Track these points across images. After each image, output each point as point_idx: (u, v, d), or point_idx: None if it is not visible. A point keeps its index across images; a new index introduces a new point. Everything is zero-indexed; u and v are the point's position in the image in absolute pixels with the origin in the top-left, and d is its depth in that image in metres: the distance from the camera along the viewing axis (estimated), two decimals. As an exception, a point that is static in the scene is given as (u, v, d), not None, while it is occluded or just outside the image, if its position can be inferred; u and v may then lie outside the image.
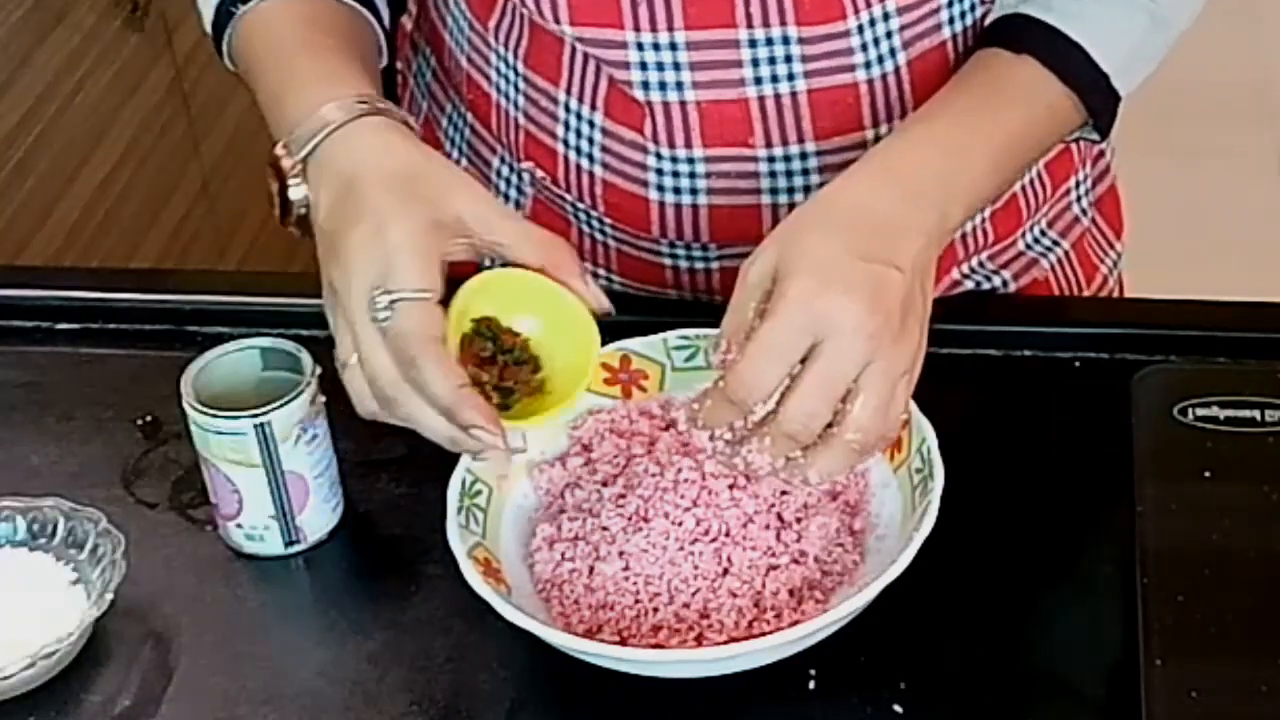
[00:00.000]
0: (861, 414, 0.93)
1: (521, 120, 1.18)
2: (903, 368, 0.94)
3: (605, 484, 1.02)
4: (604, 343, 1.08)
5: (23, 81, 1.98)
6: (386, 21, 1.16)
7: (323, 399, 1.05)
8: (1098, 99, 1.08)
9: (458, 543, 0.97)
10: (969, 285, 1.23)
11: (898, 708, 0.94)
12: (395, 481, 1.10)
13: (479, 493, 1.01)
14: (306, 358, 1.05)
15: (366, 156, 1.00)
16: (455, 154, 1.26)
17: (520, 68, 1.16)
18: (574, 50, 1.12)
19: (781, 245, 0.95)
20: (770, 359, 0.93)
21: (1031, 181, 1.21)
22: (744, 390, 0.93)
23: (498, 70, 1.18)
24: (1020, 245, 1.24)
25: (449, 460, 1.01)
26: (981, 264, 1.23)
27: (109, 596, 1.00)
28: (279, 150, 1.03)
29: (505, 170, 1.22)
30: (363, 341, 0.96)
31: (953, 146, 1.03)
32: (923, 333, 0.96)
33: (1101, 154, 1.29)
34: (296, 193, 1.02)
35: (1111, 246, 1.31)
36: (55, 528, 1.05)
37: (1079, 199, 1.27)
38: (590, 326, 0.99)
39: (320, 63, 1.07)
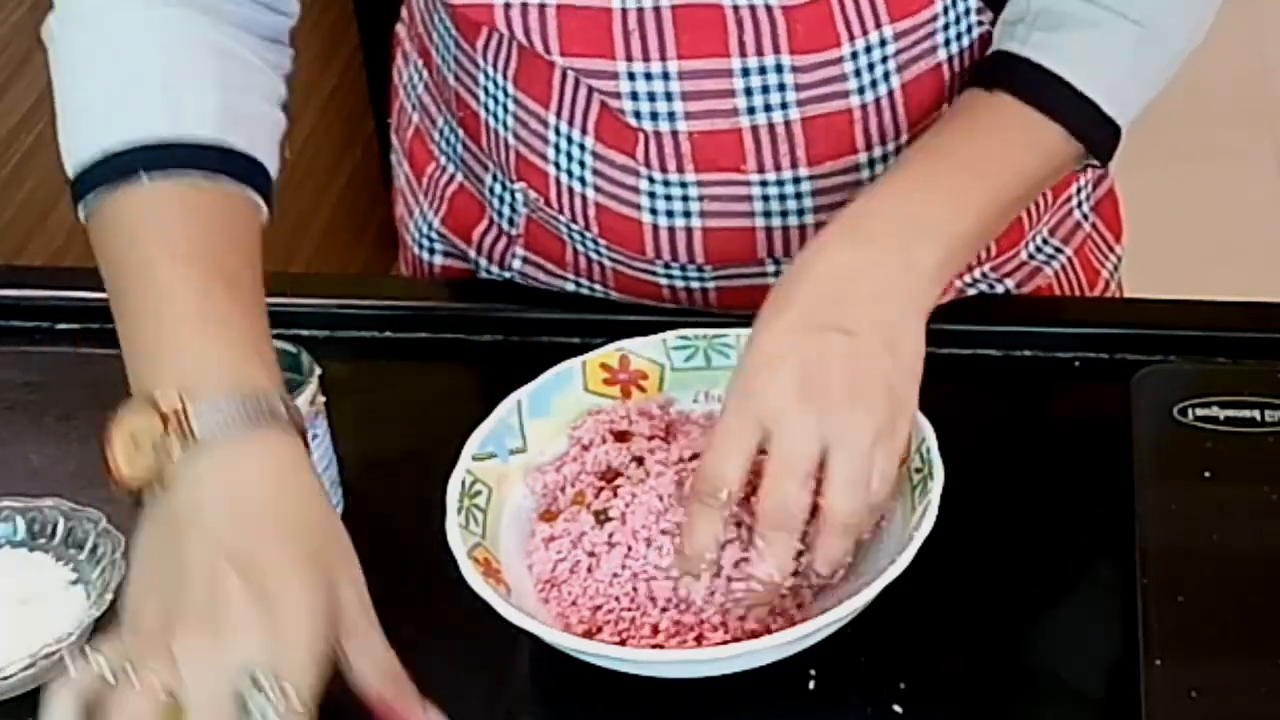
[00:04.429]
0: (837, 497, 0.92)
1: (511, 141, 1.16)
2: (867, 436, 0.92)
3: (605, 483, 1.02)
4: (604, 343, 1.09)
5: (23, 81, 1.98)
6: (275, 170, 1.02)
7: (323, 399, 1.05)
8: (1088, 126, 1.06)
9: (458, 543, 0.97)
10: (972, 293, 1.22)
11: (898, 708, 0.94)
12: (395, 481, 1.10)
13: (479, 493, 1.01)
14: (306, 358, 1.05)
15: (262, 480, 0.87)
16: (450, 168, 1.25)
17: (510, 89, 1.14)
18: (564, 74, 1.11)
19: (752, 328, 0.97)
20: (724, 448, 0.93)
21: None
22: (709, 483, 0.93)
23: (486, 90, 1.16)
24: (1023, 255, 1.24)
25: (449, 460, 1.01)
26: (985, 274, 1.22)
27: (109, 596, 1.00)
28: (170, 400, 0.87)
29: (498, 188, 1.21)
30: (199, 705, 0.80)
31: (917, 190, 1.01)
32: (894, 392, 0.94)
33: (1100, 157, 1.28)
34: (176, 449, 0.87)
35: (1111, 250, 1.31)
36: (55, 528, 1.05)
37: (1080, 205, 1.27)
38: None
39: (240, 319, 0.92)
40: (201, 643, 0.81)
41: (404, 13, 1.29)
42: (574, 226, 1.17)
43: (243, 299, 0.93)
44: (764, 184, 1.12)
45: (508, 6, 1.07)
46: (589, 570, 0.98)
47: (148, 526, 0.87)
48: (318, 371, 1.04)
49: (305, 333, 1.12)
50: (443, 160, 1.26)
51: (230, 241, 0.95)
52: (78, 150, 0.98)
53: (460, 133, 1.22)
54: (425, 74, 1.25)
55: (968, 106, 1.07)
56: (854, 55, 1.09)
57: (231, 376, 0.89)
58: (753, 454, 0.93)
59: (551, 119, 1.14)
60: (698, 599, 0.95)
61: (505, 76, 1.14)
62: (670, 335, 1.08)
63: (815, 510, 0.93)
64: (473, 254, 1.26)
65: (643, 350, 1.08)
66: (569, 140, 1.13)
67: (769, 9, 1.06)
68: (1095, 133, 1.07)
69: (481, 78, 1.16)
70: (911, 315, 0.97)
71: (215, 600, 0.82)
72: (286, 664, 0.81)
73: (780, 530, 0.92)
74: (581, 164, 1.14)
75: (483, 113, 1.17)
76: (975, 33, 1.12)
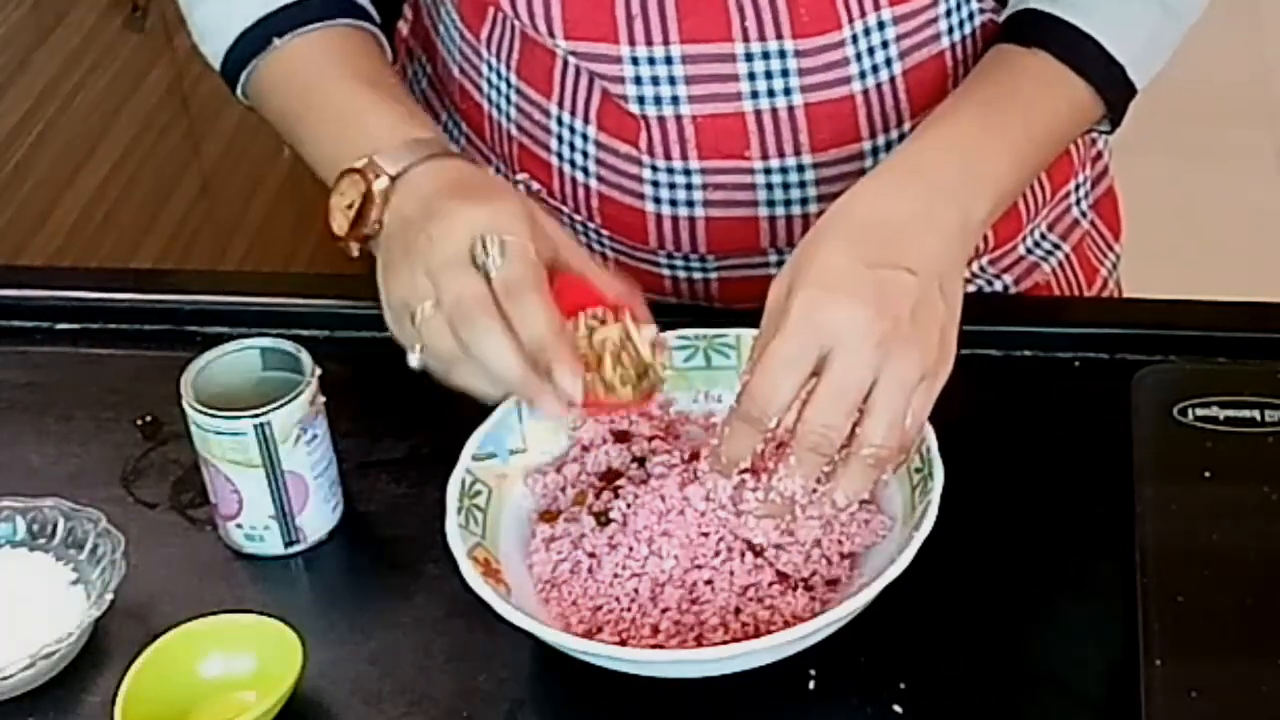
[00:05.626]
0: (875, 429, 0.92)
1: (514, 132, 1.17)
2: (916, 374, 0.93)
3: (605, 484, 1.02)
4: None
5: (23, 81, 1.98)
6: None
7: (323, 399, 1.05)
8: (1113, 91, 1.08)
9: (458, 543, 0.97)
10: (970, 290, 1.22)
11: (898, 708, 0.94)
12: (395, 481, 1.10)
13: (479, 493, 1.02)
14: (306, 358, 1.05)
15: (455, 176, 1.00)
16: None
17: (512, 79, 1.15)
18: (565, 64, 1.12)
19: (796, 260, 0.95)
20: (780, 371, 0.92)
21: (1030, 185, 1.21)
22: (757, 406, 0.93)
23: (489, 81, 1.17)
24: (1021, 250, 1.24)
25: (449, 460, 1.01)
26: (983, 268, 1.23)
27: (109, 596, 1.00)
28: (364, 163, 1.01)
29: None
30: (454, 281, 0.94)
31: (973, 142, 1.02)
32: (944, 336, 0.95)
33: (1100, 155, 1.29)
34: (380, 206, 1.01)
35: (1110, 248, 1.31)
36: (55, 528, 1.05)
37: (1079, 201, 1.27)
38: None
39: (395, 101, 1.08)
40: (435, 227, 0.97)
41: (407, 11, 1.29)
42: (577, 217, 1.18)
43: (387, 83, 1.11)
44: (768, 171, 1.12)
45: None
46: (589, 571, 0.98)
47: (385, 237, 1.00)
48: (318, 372, 1.04)
49: (305, 333, 1.12)
50: None
51: (382, 63, 1.13)
52: (222, 30, 1.15)
53: (463, 126, 1.23)
54: (429, 69, 1.26)
55: (1006, 62, 1.08)
56: (854, 39, 1.09)
57: (402, 135, 1.04)
58: (806, 380, 0.92)
59: (553, 109, 1.14)
60: (723, 496, 0.96)
61: (508, 67, 1.15)
62: (670, 335, 1.08)
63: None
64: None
65: (643, 350, 1.08)
66: (571, 130, 1.14)
67: None
68: (1118, 96, 1.09)
69: (485, 69, 1.17)
70: (960, 263, 0.98)
71: (432, 207, 0.98)
72: (502, 225, 0.95)
73: (814, 453, 0.93)
74: (584, 154, 1.14)
75: (486, 104, 1.18)
76: (977, 20, 1.13)
